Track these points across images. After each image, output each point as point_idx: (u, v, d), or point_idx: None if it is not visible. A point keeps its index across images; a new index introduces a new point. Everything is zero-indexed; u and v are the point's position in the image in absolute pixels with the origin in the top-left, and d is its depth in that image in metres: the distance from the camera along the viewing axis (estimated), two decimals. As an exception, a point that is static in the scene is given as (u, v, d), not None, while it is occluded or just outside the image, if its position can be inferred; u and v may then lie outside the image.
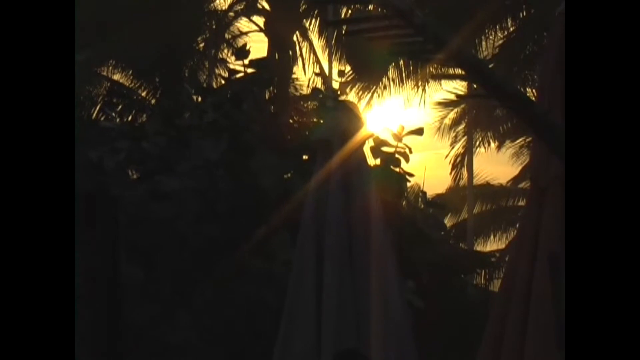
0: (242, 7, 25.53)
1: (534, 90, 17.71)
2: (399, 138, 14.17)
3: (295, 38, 25.16)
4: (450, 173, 26.18)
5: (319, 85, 21.44)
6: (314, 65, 25.40)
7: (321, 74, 23.72)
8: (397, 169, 14.58)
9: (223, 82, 18.66)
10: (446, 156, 26.06)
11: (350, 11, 18.98)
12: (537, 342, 5.36)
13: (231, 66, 19.38)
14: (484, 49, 18.80)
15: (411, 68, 19.75)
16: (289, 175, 13.79)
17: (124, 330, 7.22)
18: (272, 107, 15.81)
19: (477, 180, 26.85)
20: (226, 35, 25.62)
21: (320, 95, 16.15)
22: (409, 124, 14.73)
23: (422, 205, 17.66)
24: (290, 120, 15.26)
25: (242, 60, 15.87)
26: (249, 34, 25.68)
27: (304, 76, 25.05)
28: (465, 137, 24.92)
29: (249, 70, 15.58)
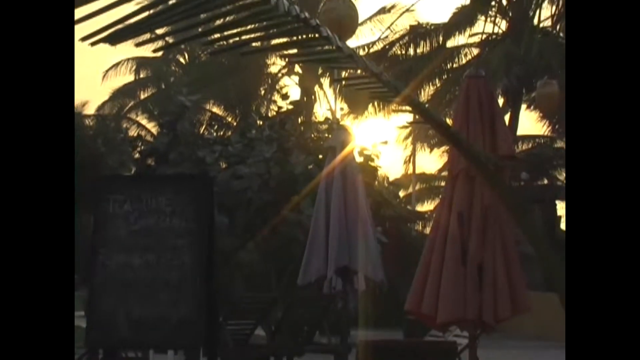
0: (285, 70, 25.50)
1: (450, 120, 17.60)
2: (373, 146, 14.20)
3: (315, 88, 25.12)
4: (403, 166, 26.03)
5: (329, 115, 21.32)
6: (327, 104, 25.35)
7: (330, 109, 23.65)
8: (373, 164, 14.57)
9: (274, 113, 18.65)
10: (401, 157, 25.90)
11: (347, 73, 18.86)
12: (452, 264, 5.34)
13: (279, 104, 19.42)
14: (423, 96, 18.66)
15: (381, 106, 19.57)
16: (311, 166, 13.77)
17: (217, 253, 7.23)
18: (302, 127, 15.75)
19: (418, 170, 26.70)
20: (276, 87, 25.59)
21: (329, 121, 16.13)
22: (380, 138, 14.77)
23: (386, 185, 17.67)
24: (312, 135, 15.21)
25: (285, 101, 15.88)
26: (289, 86, 25.67)
27: (320, 110, 25.03)
28: (412, 146, 24.77)
29: (289, 107, 15.59)
